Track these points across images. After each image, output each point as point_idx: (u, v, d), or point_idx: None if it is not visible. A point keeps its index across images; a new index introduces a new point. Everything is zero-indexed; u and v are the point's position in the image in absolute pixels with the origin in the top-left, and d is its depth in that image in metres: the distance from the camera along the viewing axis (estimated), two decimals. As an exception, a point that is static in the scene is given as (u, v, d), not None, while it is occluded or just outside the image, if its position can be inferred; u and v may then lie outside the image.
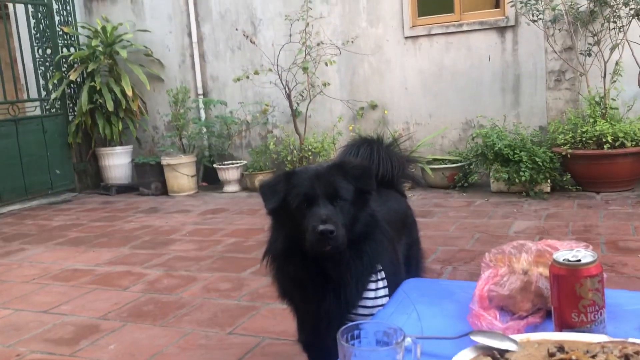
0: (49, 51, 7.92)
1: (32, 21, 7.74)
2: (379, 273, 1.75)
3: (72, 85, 8.09)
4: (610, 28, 5.70)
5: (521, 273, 1.36)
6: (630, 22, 5.56)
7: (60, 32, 8.00)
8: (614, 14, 5.61)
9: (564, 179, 5.75)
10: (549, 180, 5.73)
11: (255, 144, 7.81)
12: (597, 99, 5.70)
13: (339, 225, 1.58)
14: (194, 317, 3.28)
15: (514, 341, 1.14)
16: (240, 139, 7.96)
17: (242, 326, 3.09)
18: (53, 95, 7.84)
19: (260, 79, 7.31)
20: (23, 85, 7.94)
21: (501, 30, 6.51)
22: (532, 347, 1.14)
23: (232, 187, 7.36)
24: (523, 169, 5.56)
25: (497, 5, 6.66)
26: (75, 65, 7.96)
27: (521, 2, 5.81)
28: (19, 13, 7.67)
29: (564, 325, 1.21)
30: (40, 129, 7.61)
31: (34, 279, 4.23)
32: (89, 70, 7.69)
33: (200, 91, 8.00)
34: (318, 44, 6.88)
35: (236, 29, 7.64)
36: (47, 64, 7.92)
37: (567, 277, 1.20)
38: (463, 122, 6.81)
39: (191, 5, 7.86)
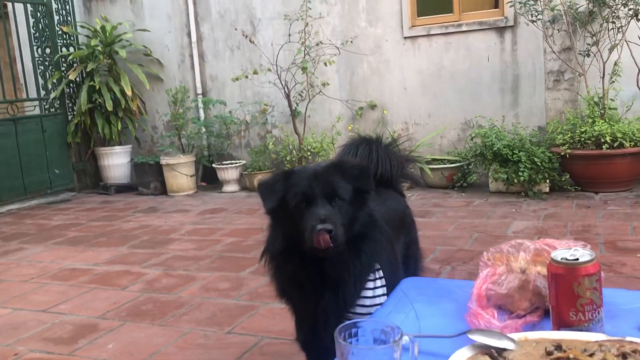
0: (48, 50, 7.91)
1: (32, 20, 7.73)
2: (377, 272, 1.76)
3: (71, 84, 8.08)
4: (609, 28, 5.70)
5: (519, 272, 1.36)
6: (629, 22, 5.56)
7: (60, 32, 8.00)
8: (613, 14, 5.61)
9: (563, 179, 5.75)
10: (547, 181, 5.73)
11: (254, 143, 7.81)
12: (595, 99, 5.70)
13: (337, 224, 1.58)
14: (193, 316, 3.28)
15: (512, 340, 1.14)
16: (240, 139, 7.96)
17: (241, 325, 3.09)
18: (52, 95, 7.84)
19: (260, 78, 7.31)
20: (22, 85, 7.94)
21: (500, 30, 6.51)
22: (530, 345, 1.14)
23: (231, 187, 7.36)
24: (522, 169, 5.57)
25: (496, 6, 6.66)
26: (75, 64, 7.96)
27: (520, 3, 5.81)
28: (18, 12, 7.67)
29: (562, 324, 1.21)
30: (39, 128, 7.60)
31: (33, 278, 4.23)
32: (88, 69, 7.69)
33: (199, 91, 8.00)
34: (317, 44, 6.88)
35: (235, 29, 7.64)
36: (46, 63, 7.92)
37: (565, 275, 1.20)
38: (462, 122, 6.81)
39: (190, 5, 7.86)
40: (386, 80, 7.09)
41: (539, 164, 5.57)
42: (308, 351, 1.93)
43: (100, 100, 7.74)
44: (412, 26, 6.89)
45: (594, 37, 5.78)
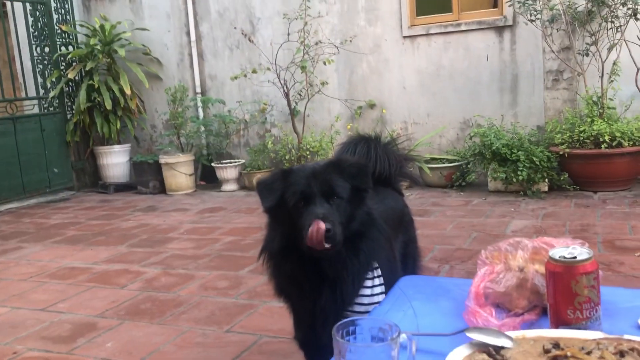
0: (47, 49, 7.91)
1: (31, 19, 7.73)
2: (375, 270, 1.76)
3: (70, 83, 8.08)
4: (608, 28, 5.71)
5: (517, 270, 1.36)
6: (627, 22, 5.57)
7: (59, 31, 8.00)
8: (612, 13, 5.61)
9: (562, 178, 5.75)
10: (546, 180, 5.73)
11: (253, 143, 7.81)
12: (594, 98, 5.71)
13: (335, 223, 1.58)
14: (192, 315, 3.28)
15: (510, 338, 1.14)
16: (239, 138, 7.96)
17: (240, 324, 3.09)
18: (51, 94, 7.83)
19: (259, 77, 7.32)
20: (21, 84, 7.93)
21: (499, 29, 6.52)
22: (527, 343, 1.14)
23: (230, 186, 7.36)
24: (520, 169, 5.57)
25: (495, 5, 6.67)
26: (74, 63, 7.96)
27: (519, 2, 5.81)
28: (17, 11, 7.66)
29: (560, 322, 1.21)
30: (38, 127, 7.60)
31: (32, 277, 4.23)
32: (87, 68, 7.69)
33: (198, 90, 8.00)
34: (316, 43, 6.89)
35: (234, 28, 7.64)
36: (45, 62, 7.91)
37: (563, 274, 1.20)
38: (461, 122, 6.81)
39: (189, 4, 7.86)
40: (385, 79, 7.09)
41: (538, 163, 5.57)
42: (306, 349, 1.93)
43: (99, 99, 7.74)
44: (411, 25, 6.89)
45: (593, 37, 5.79)
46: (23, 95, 7.93)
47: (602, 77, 5.70)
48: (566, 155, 5.57)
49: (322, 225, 1.52)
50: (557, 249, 1.26)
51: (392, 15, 6.94)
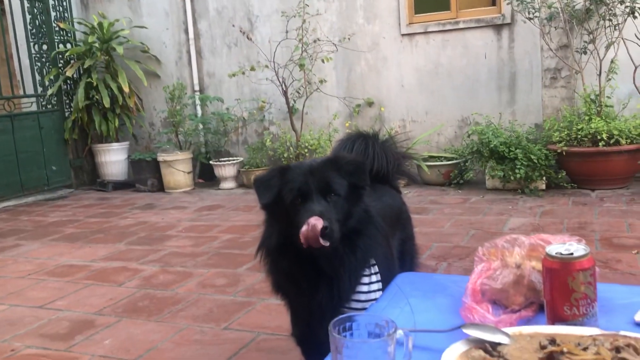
0: (45, 47, 7.89)
1: (28, 17, 7.71)
2: (372, 267, 1.76)
3: (68, 81, 8.07)
4: (606, 26, 5.71)
5: (514, 267, 1.37)
6: (625, 20, 5.57)
7: (57, 28, 7.98)
8: (610, 11, 5.62)
9: (559, 176, 5.76)
10: (544, 178, 5.74)
11: (251, 140, 7.81)
12: (592, 96, 5.71)
13: (332, 220, 1.58)
14: (190, 312, 3.28)
15: (506, 334, 1.15)
16: (237, 136, 7.96)
17: (238, 321, 3.09)
18: (49, 92, 7.81)
19: (257, 75, 7.32)
20: (19, 81, 7.92)
21: (497, 28, 6.52)
22: (524, 340, 1.14)
23: (228, 184, 7.36)
24: (518, 166, 5.58)
25: (493, 3, 6.66)
26: (72, 61, 7.95)
27: (517, 0, 5.81)
28: (15, 8, 7.64)
29: (556, 318, 1.22)
30: (36, 125, 7.59)
31: (30, 274, 4.23)
32: (85, 66, 7.68)
33: (196, 87, 7.99)
34: (315, 41, 6.89)
35: (233, 26, 7.64)
36: (43, 59, 7.90)
37: (559, 270, 1.20)
38: (459, 120, 6.82)
39: (188, 1, 7.85)
40: (383, 77, 7.09)
41: (536, 161, 5.58)
42: (304, 346, 1.93)
43: (97, 97, 7.73)
44: (410, 23, 6.89)
45: (591, 35, 5.79)
46: (21, 93, 7.91)
47: (599, 75, 5.71)
48: (564, 153, 5.58)
49: (319, 224, 1.52)
50: (553, 245, 1.26)
51: (390, 13, 6.94)
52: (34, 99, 7.84)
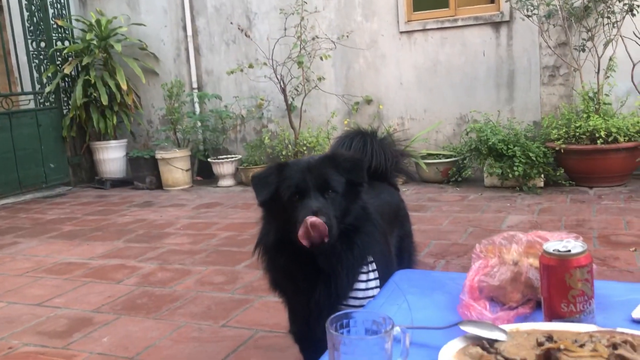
0: (43, 44, 7.88)
1: (26, 14, 7.69)
2: (369, 264, 1.76)
3: (66, 78, 8.05)
4: (604, 23, 5.71)
5: (511, 264, 1.37)
6: (624, 17, 5.57)
7: (55, 25, 7.96)
8: (608, 9, 5.62)
9: (557, 173, 5.77)
10: (542, 175, 5.74)
11: (250, 138, 7.81)
12: (590, 94, 5.72)
13: (330, 217, 1.58)
14: (188, 310, 3.28)
15: (504, 331, 1.15)
16: (235, 133, 7.95)
17: (236, 319, 3.10)
18: (47, 89, 7.80)
19: (255, 73, 7.31)
20: (17, 79, 7.91)
21: (496, 25, 6.51)
22: (521, 337, 1.14)
23: (226, 182, 7.36)
24: (516, 164, 5.58)
25: (492, 1, 6.66)
26: (70, 58, 7.92)
27: (516, -3, 5.82)
28: (13, 5, 7.62)
29: (554, 315, 1.22)
30: (34, 122, 7.58)
31: (28, 272, 4.23)
32: (83, 63, 7.66)
33: (195, 85, 7.98)
34: (313, 38, 6.87)
35: (231, 23, 7.63)
36: (41, 57, 7.88)
37: (556, 267, 1.20)
38: (457, 117, 6.82)
39: (186, -2, 7.85)
40: (382, 75, 7.09)
41: (534, 158, 5.58)
42: (301, 343, 1.93)
43: (95, 94, 7.72)
44: (408, 21, 6.89)
45: (589, 32, 5.79)
46: (19, 90, 7.90)
47: (598, 72, 5.71)
48: (562, 150, 5.58)
49: (319, 221, 1.52)
50: (551, 242, 1.26)
51: (388, 11, 6.93)
52: (31, 97, 7.83)
